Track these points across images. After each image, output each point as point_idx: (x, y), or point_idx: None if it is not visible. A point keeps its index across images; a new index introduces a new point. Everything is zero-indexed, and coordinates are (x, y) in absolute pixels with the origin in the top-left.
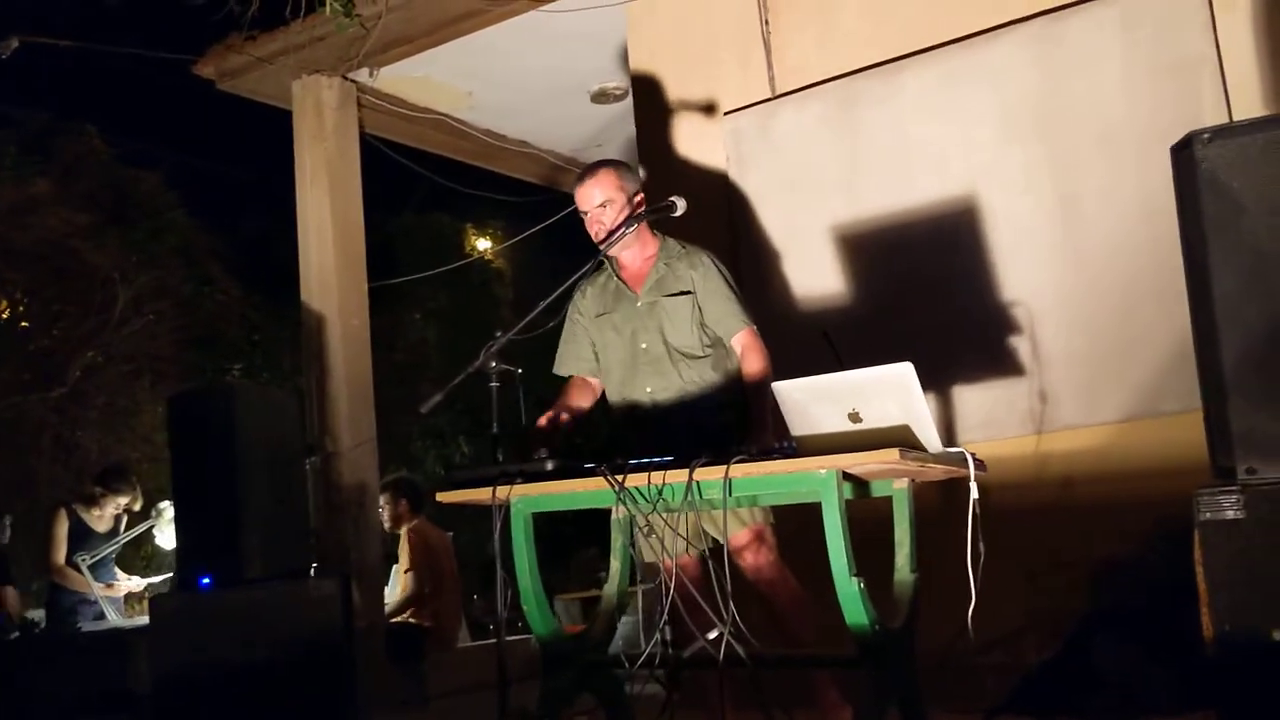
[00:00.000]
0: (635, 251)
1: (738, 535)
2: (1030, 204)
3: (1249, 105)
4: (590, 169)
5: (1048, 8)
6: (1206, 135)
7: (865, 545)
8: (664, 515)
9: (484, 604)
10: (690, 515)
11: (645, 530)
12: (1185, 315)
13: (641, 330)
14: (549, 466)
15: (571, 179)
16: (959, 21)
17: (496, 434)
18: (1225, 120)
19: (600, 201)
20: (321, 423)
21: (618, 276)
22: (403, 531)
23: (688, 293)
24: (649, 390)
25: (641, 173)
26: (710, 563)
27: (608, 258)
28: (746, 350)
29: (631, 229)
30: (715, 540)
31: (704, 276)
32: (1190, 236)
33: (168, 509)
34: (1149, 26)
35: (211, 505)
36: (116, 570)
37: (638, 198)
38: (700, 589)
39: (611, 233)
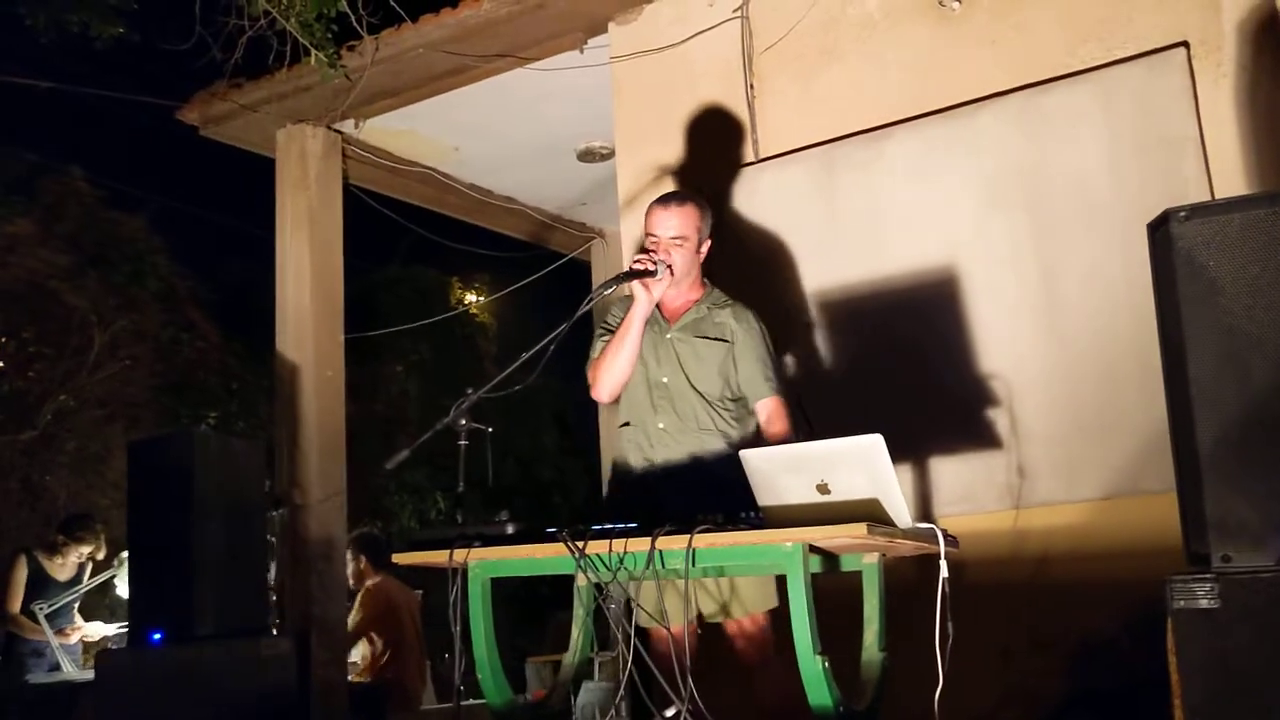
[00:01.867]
0: (677, 292)
1: (735, 621)
2: (1012, 276)
3: (1231, 183)
4: (680, 197)
5: (1030, 81)
6: (1183, 213)
7: (837, 619)
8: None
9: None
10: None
11: (606, 600)
12: None
13: (666, 363)
14: (509, 530)
15: (557, 236)
16: (941, 92)
17: (461, 493)
18: (1207, 198)
19: (676, 235)
20: (291, 474)
21: (656, 307)
22: (360, 589)
23: (725, 341)
24: (661, 426)
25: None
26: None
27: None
28: (773, 416)
29: (609, 290)
30: (713, 613)
31: (745, 333)
32: (1166, 315)
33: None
34: (1132, 103)
35: (166, 556)
36: (76, 617)
37: (705, 244)
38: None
39: (594, 294)
